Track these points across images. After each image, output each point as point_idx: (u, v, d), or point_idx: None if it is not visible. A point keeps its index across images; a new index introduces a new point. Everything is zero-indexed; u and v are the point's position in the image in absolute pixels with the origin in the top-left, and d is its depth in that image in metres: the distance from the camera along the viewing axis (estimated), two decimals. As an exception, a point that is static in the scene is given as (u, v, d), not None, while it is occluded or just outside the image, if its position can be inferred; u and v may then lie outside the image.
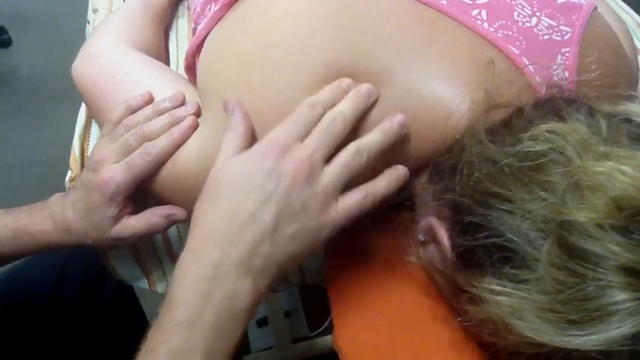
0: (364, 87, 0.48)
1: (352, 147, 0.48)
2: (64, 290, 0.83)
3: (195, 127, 0.54)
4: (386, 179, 0.49)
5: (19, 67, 2.19)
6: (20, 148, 1.85)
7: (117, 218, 0.57)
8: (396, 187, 0.49)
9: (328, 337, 1.19)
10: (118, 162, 0.55)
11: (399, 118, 0.48)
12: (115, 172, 0.54)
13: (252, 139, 0.49)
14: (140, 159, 0.54)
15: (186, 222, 0.62)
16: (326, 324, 1.21)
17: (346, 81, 0.49)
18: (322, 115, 0.48)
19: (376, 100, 0.49)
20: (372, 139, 0.48)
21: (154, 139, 0.54)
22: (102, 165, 0.55)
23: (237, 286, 0.44)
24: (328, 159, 0.47)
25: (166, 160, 0.54)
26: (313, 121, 0.48)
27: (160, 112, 0.56)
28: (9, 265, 0.73)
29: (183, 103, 0.56)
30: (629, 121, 0.42)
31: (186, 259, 0.45)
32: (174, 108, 0.56)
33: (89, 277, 0.82)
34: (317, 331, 1.23)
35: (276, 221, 0.45)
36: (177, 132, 0.54)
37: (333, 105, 0.48)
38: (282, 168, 0.45)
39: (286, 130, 0.47)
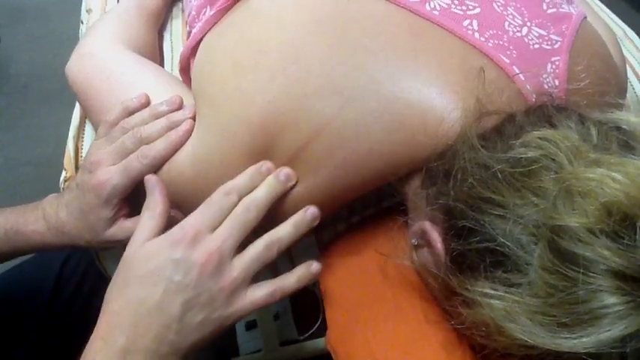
0: (282, 172, 0.50)
1: (262, 242, 0.50)
2: (62, 290, 0.82)
3: (191, 130, 0.54)
4: (297, 275, 0.51)
5: (9, 65, 2.17)
6: (9, 146, 1.83)
7: (112, 220, 0.57)
8: (307, 283, 0.52)
9: (317, 341, 1.19)
10: (114, 164, 0.55)
11: (311, 210, 0.51)
12: (112, 175, 0.55)
13: (169, 218, 0.51)
14: (137, 162, 0.54)
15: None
16: (315, 327, 1.21)
17: (267, 165, 0.51)
18: (237, 203, 0.49)
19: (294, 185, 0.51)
20: (283, 233, 0.50)
21: (151, 142, 0.55)
22: (98, 166, 0.55)
23: None
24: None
25: (163, 164, 0.54)
26: (227, 209, 0.49)
27: (157, 115, 0.56)
28: (8, 264, 0.73)
29: (180, 107, 0.57)
30: (618, 128, 0.43)
31: (95, 343, 0.46)
32: (171, 111, 0.56)
33: (87, 278, 0.82)
34: (306, 335, 1.23)
35: (182, 311, 0.46)
36: (174, 136, 0.54)
37: (250, 190, 0.50)
38: (191, 259, 0.47)
39: (197, 219, 0.48)
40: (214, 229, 0.49)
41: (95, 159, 0.56)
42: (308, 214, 0.51)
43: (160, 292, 0.46)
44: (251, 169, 0.51)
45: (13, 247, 0.61)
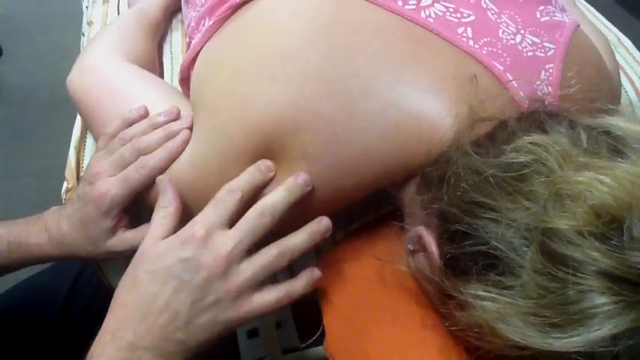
0: (301, 177, 0.50)
1: (275, 249, 0.50)
2: (74, 302, 0.83)
3: (188, 140, 0.55)
4: (304, 280, 0.52)
5: (10, 77, 2.19)
6: (11, 157, 1.84)
7: (112, 231, 0.57)
8: (313, 287, 0.53)
9: (319, 349, 1.19)
10: (113, 175, 0.56)
11: (325, 221, 0.52)
12: (111, 185, 0.55)
13: (183, 216, 0.52)
14: (136, 172, 0.55)
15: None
16: (316, 335, 1.21)
17: (266, 162, 0.51)
18: (241, 199, 0.50)
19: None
20: (297, 241, 0.51)
21: (150, 152, 0.55)
22: (98, 178, 0.56)
23: None
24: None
25: (161, 173, 0.55)
26: (234, 206, 0.50)
27: (155, 126, 0.57)
28: (21, 275, 0.73)
29: (177, 117, 0.57)
30: (607, 133, 0.44)
31: (103, 337, 0.47)
32: (168, 122, 0.57)
33: (100, 290, 0.82)
34: (307, 342, 1.23)
35: (189, 311, 0.47)
36: (171, 145, 0.55)
37: (253, 187, 0.51)
38: (200, 260, 0.47)
39: (206, 217, 0.49)
40: (224, 226, 0.49)
41: (95, 171, 0.57)
42: (322, 224, 0.52)
43: (170, 290, 0.47)
44: (251, 169, 0.51)
45: (16, 260, 0.62)
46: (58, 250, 0.60)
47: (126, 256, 0.66)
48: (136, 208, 0.58)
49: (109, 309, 0.48)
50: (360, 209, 0.65)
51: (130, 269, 0.49)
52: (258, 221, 0.49)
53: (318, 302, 0.59)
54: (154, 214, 0.51)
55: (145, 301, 0.47)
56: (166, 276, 0.47)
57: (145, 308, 0.47)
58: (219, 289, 0.48)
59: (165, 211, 0.51)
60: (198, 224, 0.49)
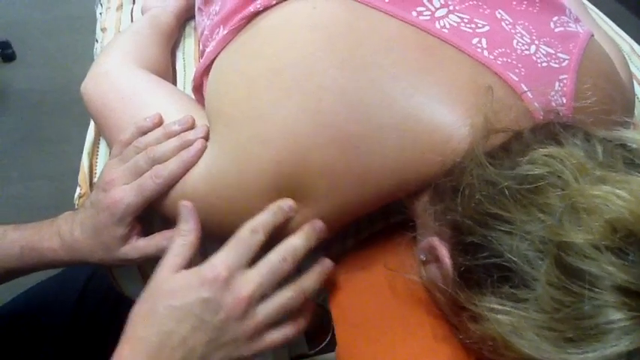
0: (318, 224, 0.52)
1: (291, 291, 0.51)
2: (84, 307, 0.83)
3: (203, 150, 0.55)
4: (306, 317, 0.54)
5: (23, 81, 2.21)
6: (23, 161, 1.85)
7: (125, 239, 0.57)
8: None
9: (327, 356, 1.18)
10: (128, 183, 0.56)
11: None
12: (125, 194, 0.55)
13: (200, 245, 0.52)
14: (150, 181, 0.55)
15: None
16: (325, 342, 1.21)
17: (288, 202, 0.52)
18: (264, 240, 0.50)
19: None
20: (310, 282, 0.52)
21: (164, 161, 0.55)
22: (112, 186, 0.56)
23: None
24: None
25: (175, 183, 0.55)
26: (256, 247, 0.50)
27: (170, 135, 0.57)
28: (32, 280, 0.73)
29: (192, 126, 0.58)
30: (623, 146, 0.44)
31: None
32: (183, 131, 0.57)
33: (110, 297, 0.83)
34: (316, 349, 1.23)
35: (205, 349, 0.48)
36: (186, 155, 0.55)
37: (274, 227, 0.51)
38: (220, 301, 0.48)
39: (229, 258, 0.49)
40: (244, 267, 0.50)
41: (109, 178, 0.57)
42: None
43: (187, 329, 0.47)
44: (274, 207, 0.52)
45: (28, 263, 0.62)
46: (69, 255, 0.60)
47: (137, 264, 0.66)
48: (149, 216, 0.58)
49: (123, 334, 0.49)
50: (368, 218, 0.65)
51: (147, 297, 0.50)
52: (279, 265, 0.50)
53: (327, 309, 0.59)
54: (172, 242, 0.52)
55: (161, 335, 0.47)
56: (185, 314, 0.48)
57: (161, 343, 0.47)
58: (237, 330, 0.49)
59: (184, 239, 0.51)
60: (220, 265, 0.49)
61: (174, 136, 0.57)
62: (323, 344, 1.22)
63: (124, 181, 0.56)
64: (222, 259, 0.50)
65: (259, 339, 0.50)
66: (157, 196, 0.56)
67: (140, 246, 0.58)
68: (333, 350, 0.56)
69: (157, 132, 0.58)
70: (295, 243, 0.51)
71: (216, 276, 0.48)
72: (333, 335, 0.56)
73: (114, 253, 0.58)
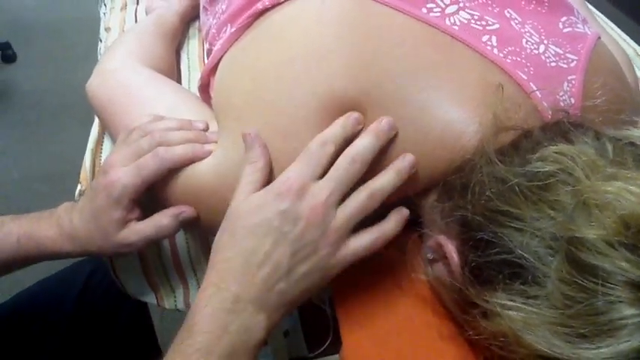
0: (385, 121, 0.49)
1: (366, 191, 0.49)
2: (84, 305, 0.83)
3: (210, 153, 0.55)
4: (394, 220, 0.51)
5: (23, 81, 2.21)
6: (24, 162, 1.85)
7: (123, 222, 0.56)
8: (402, 227, 0.52)
9: (327, 358, 1.18)
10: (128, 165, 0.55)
11: (409, 158, 0.50)
12: (123, 174, 0.54)
13: (270, 171, 0.51)
14: (150, 161, 0.54)
15: (194, 227, 0.62)
16: (325, 345, 1.20)
17: (355, 114, 0.50)
18: (334, 152, 0.49)
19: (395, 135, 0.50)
20: (385, 181, 0.50)
21: (169, 146, 0.55)
22: (111, 167, 0.55)
23: (253, 320, 0.47)
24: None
25: (175, 167, 0.54)
26: (326, 159, 0.49)
27: (184, 127, 0.57)
28: (34, 279, 0.73)
29: (206, 129, 0.57)
30: (633, 144, 0.44)
31: (207, 290, 0.47)
32: (195, 127, 0.57)
33: (110, 294, 0.82)
34: (316, 352, 1.23)
35: (290, 262, 0.47)
36: (194, 148, 0.54)
37: (344, 140, 0.49)
38: (298, 211, 0.47)
39: (300, 170, 0.48)
40: (316, 179, 0.49)
41: (110, 161, 0.56)
42: (406, 160, 0.50)
43: (270, 243, 0.47)
44: (340, 120, 0.50)
45: (25, 254, 0.61)
46: (68, 244, 0.59)
47: (138, 249, 0.65)
48: (151, 205, 0.57)
49: (209, 265, 0.49)
50: (374, 216, 0.64)
51: (225, 225, 0.49)
52: (350, 168, 0.49)
53: (326, 311, 0.59)
54: (242, 170, 0.50)
55: (246, 255, 0.47)
56: (266, 229, 0.47)
57: (246, 262, 0.47)
58: (318, 238, 0.48)
59: (254, 166, 0.50)
60: (292, 177, 0.48)
61: (188, 129, 0.57)
62: (323, 347, 1.22)
63: (124, 164, 0.55)
64: (293, 172, 0.49)
65: (343, 246, 0.49)
66: (156, 177, 0.54)
67: (139, 229, 0.56)
68: (332, 353, 0.56)
69: (170, 122, 0.58)
70: (362, 143, 0.49)
71: (289, 187, 0.48)
72: (334, 337, 0.56)
73: (112, 238, 0.56)
